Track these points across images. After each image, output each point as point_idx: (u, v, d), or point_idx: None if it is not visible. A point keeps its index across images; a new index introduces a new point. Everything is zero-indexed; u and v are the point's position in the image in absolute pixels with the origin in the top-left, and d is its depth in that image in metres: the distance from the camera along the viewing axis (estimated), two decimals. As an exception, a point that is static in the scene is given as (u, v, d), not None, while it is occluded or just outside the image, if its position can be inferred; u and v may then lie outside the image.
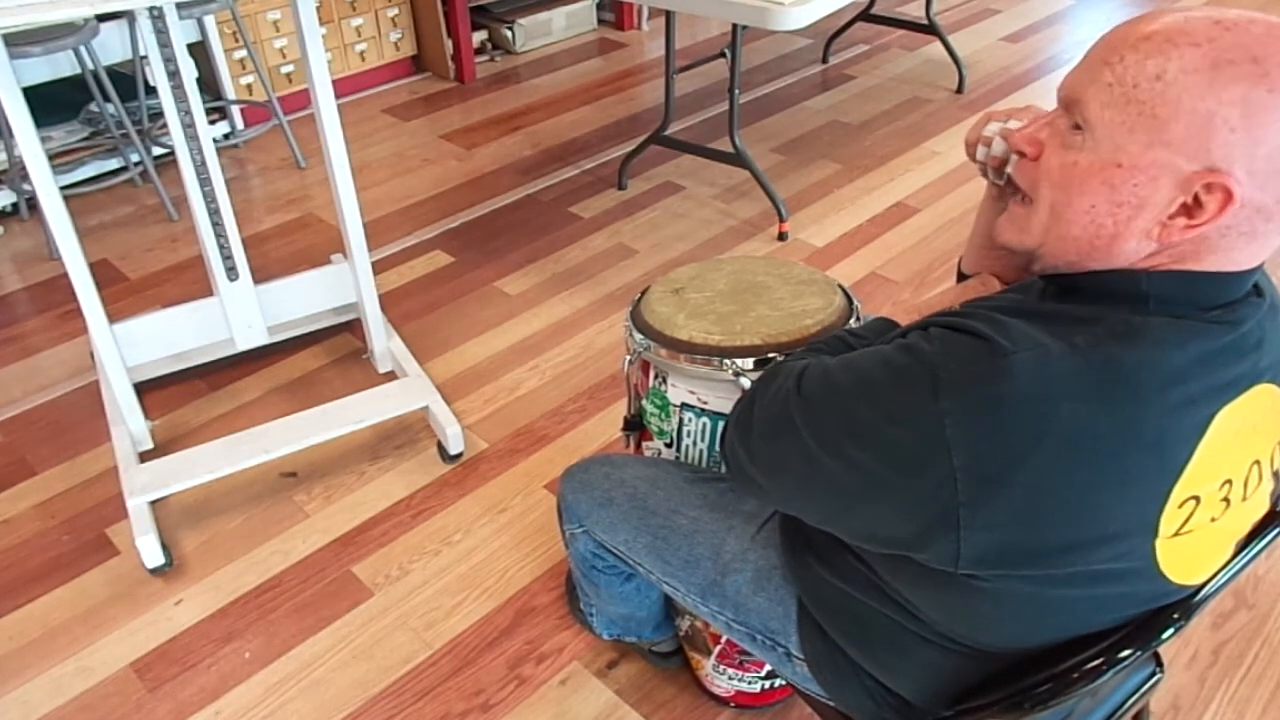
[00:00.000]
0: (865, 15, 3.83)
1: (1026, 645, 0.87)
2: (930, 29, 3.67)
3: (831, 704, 1.11)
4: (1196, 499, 0.78)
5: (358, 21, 3.60)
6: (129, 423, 2.00)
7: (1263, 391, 0.80)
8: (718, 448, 1.00)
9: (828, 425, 0.83)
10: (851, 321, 1.30)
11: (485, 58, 4.02)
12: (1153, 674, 1.09)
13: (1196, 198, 0.73)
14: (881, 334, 1.02)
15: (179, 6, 1.71)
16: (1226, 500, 0.81)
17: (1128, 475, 0.75)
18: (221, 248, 1.96)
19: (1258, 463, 0.83)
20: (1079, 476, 0.74)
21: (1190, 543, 0.81)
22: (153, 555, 1.79)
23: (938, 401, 0.74)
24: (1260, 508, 0.87)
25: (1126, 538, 0.77)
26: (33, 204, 2.89)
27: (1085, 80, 0.76)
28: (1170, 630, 0.84)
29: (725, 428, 0.99)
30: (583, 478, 1.32)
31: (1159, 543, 0.79)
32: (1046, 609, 0.82)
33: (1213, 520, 0.82)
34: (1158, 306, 0.77)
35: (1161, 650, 0.98)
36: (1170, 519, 0.78)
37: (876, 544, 0.88)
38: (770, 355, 1.21)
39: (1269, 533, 0.89)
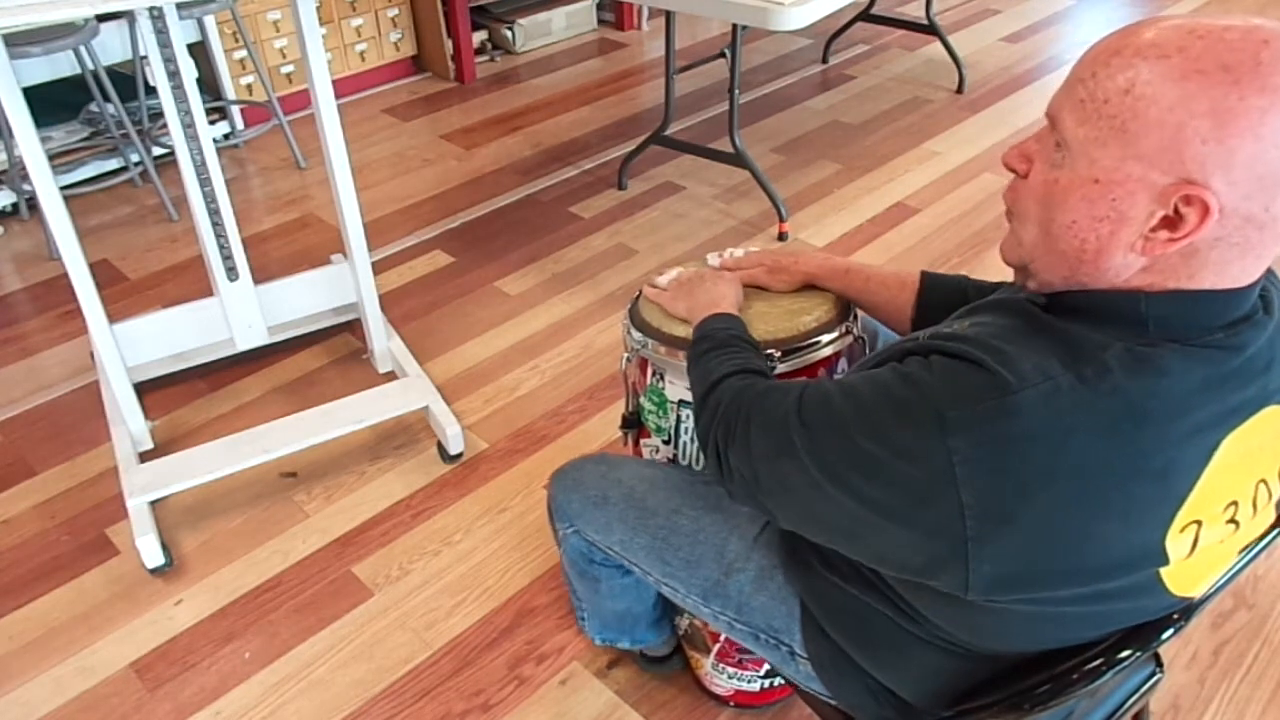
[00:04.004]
0: (865, 15, 3.83)
1: (1027, 651, 0.88)
2: (930, 29, 3.67)
3: (832, 703, 1.11)
4: (1199, 522, 0.78)
5: (358, 21, 3.60)
6: (129, 423, 2.00)
7: (1271, 414, 0.79)
8: (704, 453, 1.00)
9: (831, 455, 0.82)
10: (850, 320, 1.30)
11: (485, 58, 4.02)
12: (1152, 674, 1.09)
13: (1177, 210, 0.71)
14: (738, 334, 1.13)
15: (179, 6, 1.71)
16: (1234, 522, 0.81)
17: (1133, 505, 0.75)
18: (221, 248, 1.96)
19: (1264, 482, 0.82)
20: (1086, 509, 0.73)
21: (1196, 563, 0.81)
22: (153, 555, 1.79)
23: (946, 440, 0.73)
24: (1267, 521, 0.87)
25: (1132, 564, 0.77)
26: (33, 204, 2.89)
27: (1063, 98, 0.76)
28: (1170, 631, 0.84)
29: (713, 436, 0.97)
30: (575, 477, 1.31)
31: (1166, 568, 0.79)
32: (1049, 623, 0.83)
33: (1221, 542, 0.81)
34: (1158, 329, 0.75)
35: (1161, 650, 0.97)
36: (1175, 543, 0.77)
37: (884, 568, 0.88)
38: (768, 352, 1.21)
39: (1269, 534, 0.89)
